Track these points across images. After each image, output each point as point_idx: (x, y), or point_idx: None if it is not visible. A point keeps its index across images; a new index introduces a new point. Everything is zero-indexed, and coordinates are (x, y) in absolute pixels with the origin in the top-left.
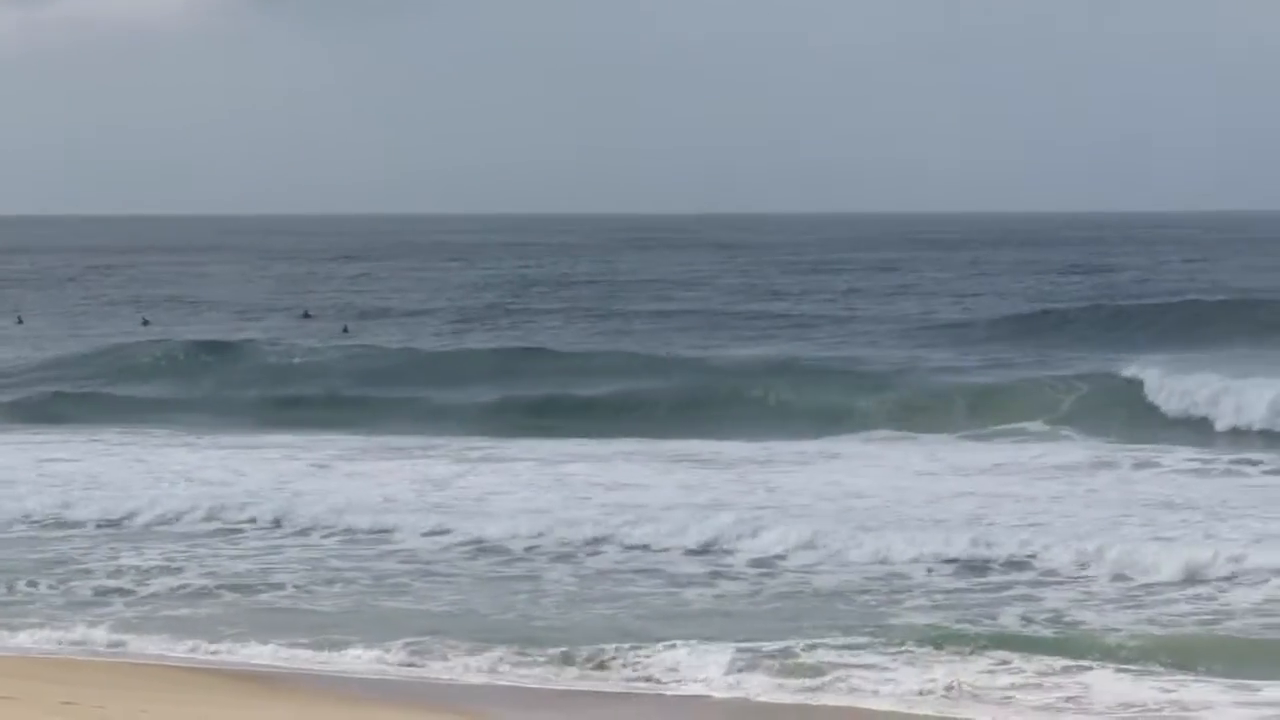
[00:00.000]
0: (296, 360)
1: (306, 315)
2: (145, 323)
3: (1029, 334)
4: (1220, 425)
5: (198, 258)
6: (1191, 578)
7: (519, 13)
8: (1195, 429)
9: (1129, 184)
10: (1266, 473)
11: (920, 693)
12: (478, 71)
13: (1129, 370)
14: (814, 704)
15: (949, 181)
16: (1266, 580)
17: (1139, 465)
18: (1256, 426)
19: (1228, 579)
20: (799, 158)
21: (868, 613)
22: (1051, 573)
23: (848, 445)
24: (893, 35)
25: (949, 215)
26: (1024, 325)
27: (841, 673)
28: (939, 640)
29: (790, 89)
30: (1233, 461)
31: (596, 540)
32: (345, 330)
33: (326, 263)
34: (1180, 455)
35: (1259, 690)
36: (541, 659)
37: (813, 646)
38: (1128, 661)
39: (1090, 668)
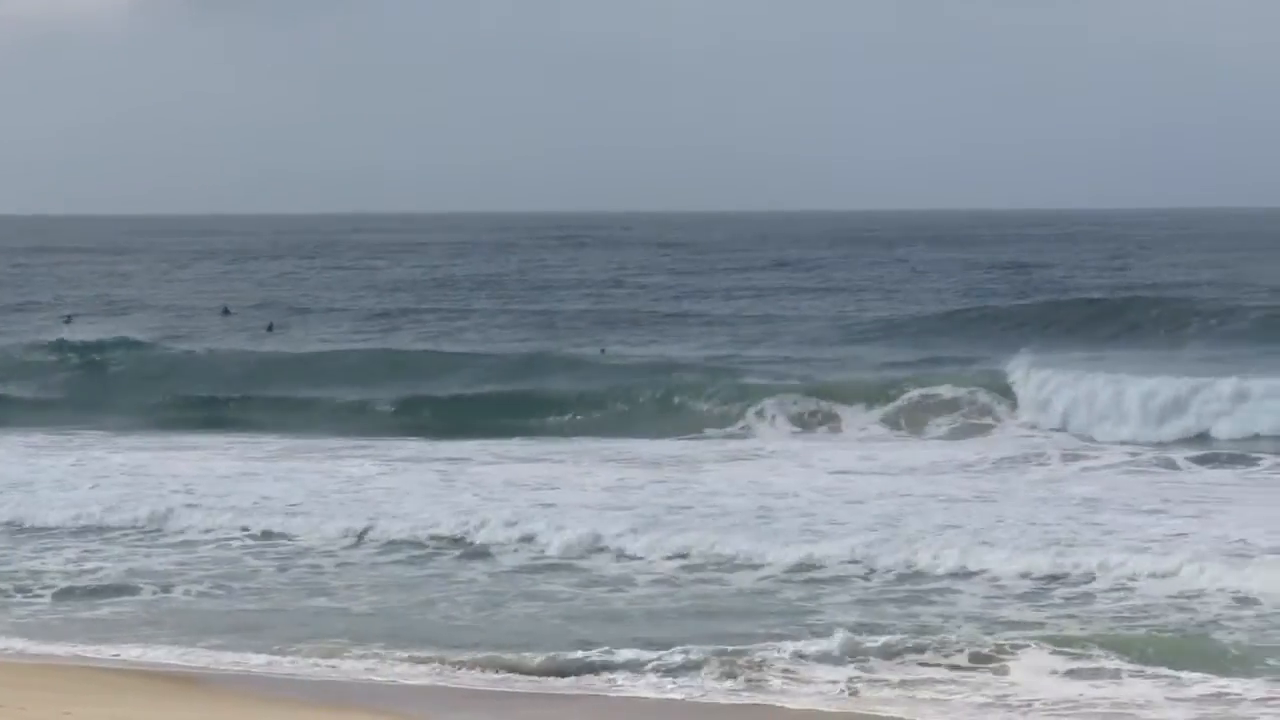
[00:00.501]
0: (215, 360)
1: (226, 311)
2: (68, 320)
3: (950, 332)
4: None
5: (121, 257)
6: (1109, 575)
7: (459, 6)
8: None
9: (1067, 181)
10: (1191, 461)
11: (847, 691)
12: (410, 67)
13: (1020, 368)
14: (745, 704)
15: (890, 179)
16: (1180, 573)
17: (1067, 459)
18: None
19: (1145, 575)
20: (736, 156)
21: (789, 610)
22: (965, 571)
23: (773, 443)
24: (832, 33)
25: (889, 212)
26: (948, 323)
27: (769, 671)
28: (864, 639)
29: (726, 88)
30: (1156, 459)
31: (514, 540)
32: (270, 328)
33: (252, 260)
34: (1107, 453)
35: (1189, 686)
36: (464, 659)
37: (738, 646)
38: (1053, 658)
39: (1015, 665)
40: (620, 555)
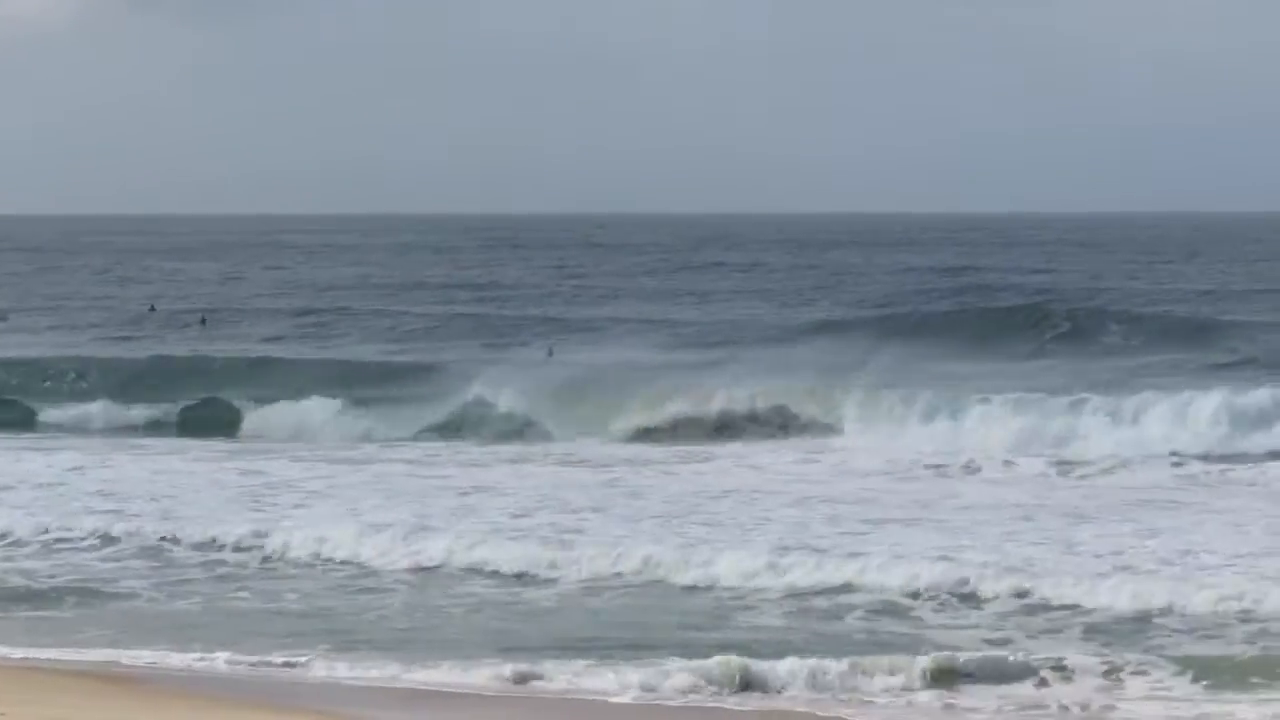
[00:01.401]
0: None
1: (152, 309)
2: (3, 319)
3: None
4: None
5: (63, 255)
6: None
7: (390, 6)
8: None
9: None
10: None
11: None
12: (352, 67)
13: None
14: (691, 706)
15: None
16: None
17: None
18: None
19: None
20: (674, 158)
21: (718, 612)
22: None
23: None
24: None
25: (838, 215)
26: (828, 330)
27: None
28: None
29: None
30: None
31: (444, 546)
32: (203, 322)
33: (187, 261)
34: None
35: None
36: (392, 659)
37: (658, 651)
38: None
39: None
40: (532, 562)
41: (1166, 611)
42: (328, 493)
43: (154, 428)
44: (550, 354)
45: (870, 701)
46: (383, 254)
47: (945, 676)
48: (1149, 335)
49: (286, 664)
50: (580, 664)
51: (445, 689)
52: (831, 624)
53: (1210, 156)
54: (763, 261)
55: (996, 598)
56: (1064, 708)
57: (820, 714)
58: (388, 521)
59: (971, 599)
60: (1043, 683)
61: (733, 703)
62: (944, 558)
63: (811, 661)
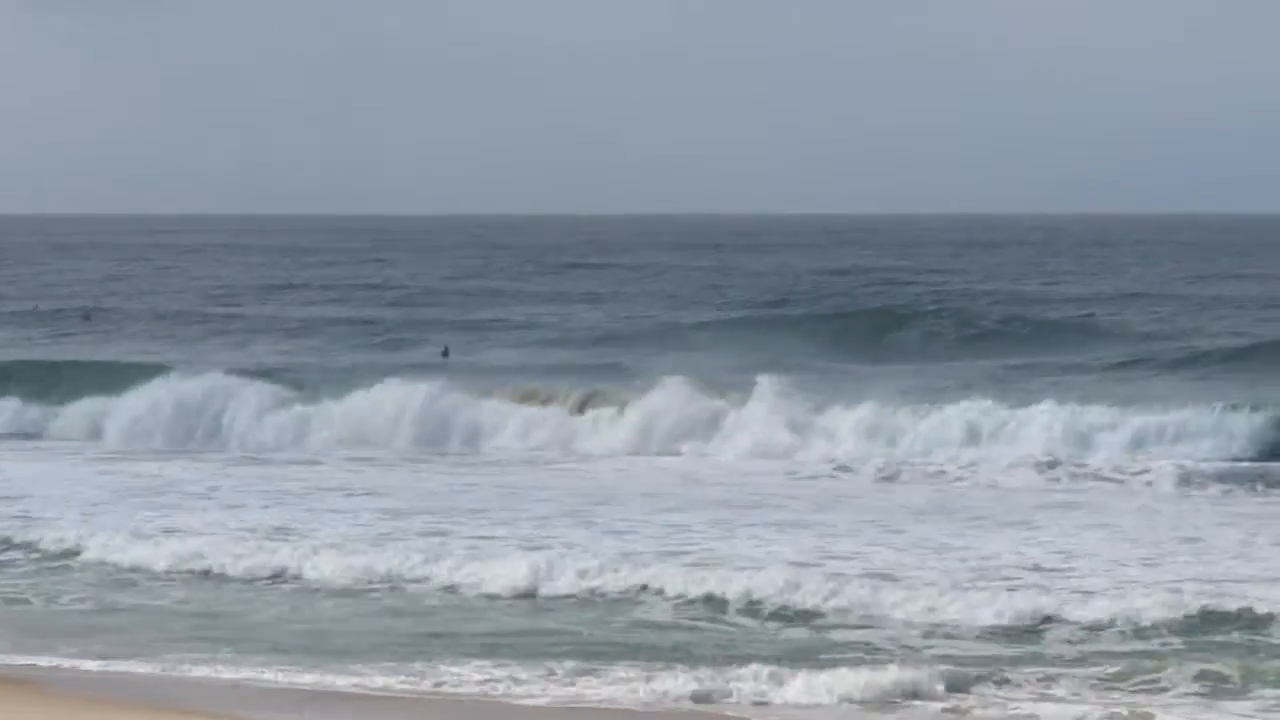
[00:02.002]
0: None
1: (36, 309)
2: None
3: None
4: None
5: None
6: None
7: (278, 10)
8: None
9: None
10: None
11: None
12: (238, 69)
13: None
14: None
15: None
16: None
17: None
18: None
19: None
20: (584, 158)
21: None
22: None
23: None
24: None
25: (763, 216)
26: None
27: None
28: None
29: (569, 89)
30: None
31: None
32: (86, 318)
33: (77, 260)
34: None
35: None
36: (285, 661)
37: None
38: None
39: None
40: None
41: (1053, 615)
42: (209, 495)
43: (29, 430)
44: (445, 355)
45: (773, 704)
46: (279, 255)
47: (850, 683)
48: (1039, 335)
49: (180, 666)
50: (474, 665)
51: (340, 690)
52: (723, 628)
53: (1122, 159)
54: (657, 261)
55: (880, 601)
56: (959, 710)
57: (729, 715)
58: (270, 523)
59: (855, 603)
60: (938, 688)
61: (639, 706)
62: (811, 564)
63: (749, 668)
